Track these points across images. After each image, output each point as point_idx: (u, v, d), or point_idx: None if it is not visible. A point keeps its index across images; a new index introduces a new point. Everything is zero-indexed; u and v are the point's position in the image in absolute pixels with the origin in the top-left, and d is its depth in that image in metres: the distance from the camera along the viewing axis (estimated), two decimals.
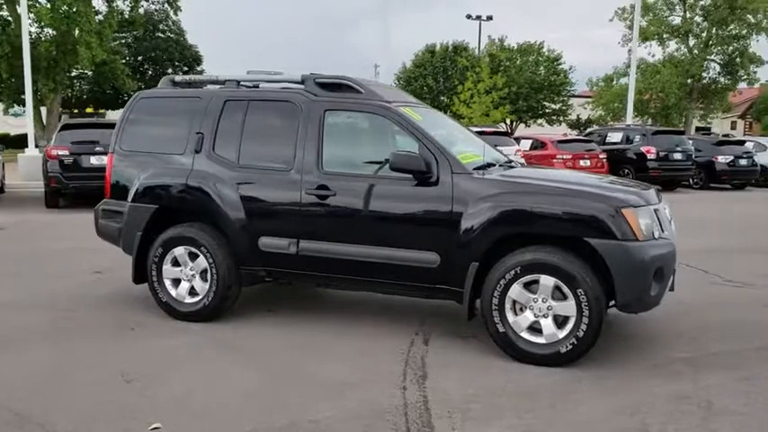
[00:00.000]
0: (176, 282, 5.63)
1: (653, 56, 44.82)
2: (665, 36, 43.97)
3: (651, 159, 17.98)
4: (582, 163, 17.41)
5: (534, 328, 4.64)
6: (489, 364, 4.65)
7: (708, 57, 42.94)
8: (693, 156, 18.61)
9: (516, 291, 4.62)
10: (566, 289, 4.49)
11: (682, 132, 20.51)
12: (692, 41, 43.41)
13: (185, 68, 37.15)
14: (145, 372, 4.45)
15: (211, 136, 5.55)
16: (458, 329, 5.37)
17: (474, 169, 4.94)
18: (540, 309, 4.59)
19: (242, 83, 5.83)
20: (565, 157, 17.58)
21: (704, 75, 43.61)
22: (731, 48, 42.37)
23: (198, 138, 5.57)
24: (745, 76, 43.46)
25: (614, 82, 45.40)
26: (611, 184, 5.11)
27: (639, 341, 5.22)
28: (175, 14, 35.04)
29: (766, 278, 7.48)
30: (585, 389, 4.25)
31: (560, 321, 4.57)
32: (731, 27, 41.91)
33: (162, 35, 37.40)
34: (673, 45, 43.63)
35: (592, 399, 4.12)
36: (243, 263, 5.47)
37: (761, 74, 44.93)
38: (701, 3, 42.22)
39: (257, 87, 5.76)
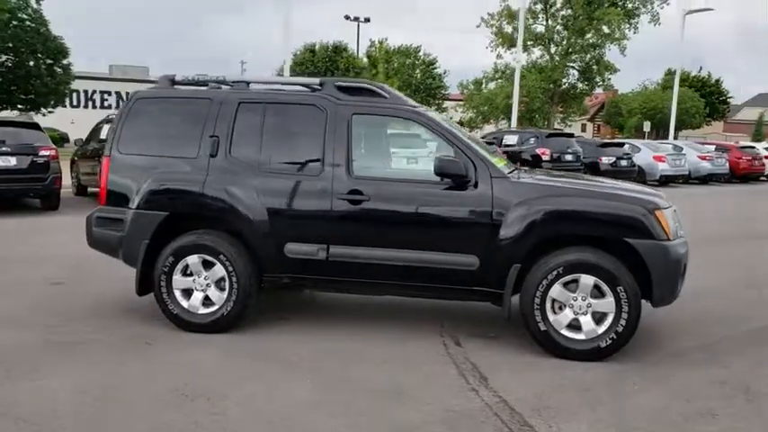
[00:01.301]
0: (187, 292, 5.35)
1: (518, 61, 47.24)
2: (529, 43, 46.62)
3: (546, 160, 19.07)
4: None
5: (573, 326, 4.87)
6: (533, 362, 4.83)
7: (568, 63, 45.95)
8: (582, 157, 19.95)
9: (557, 290, 4.83)
10: (605, 287, 4.76)
11: (571, 135, 21.91)
12: (553, 49, 46.29)
13: (49, 61, 34.52)
14: (200, 388, 4.22)
15: (227, 139, 5.33)
16: (479, 330, 5.52)
17: (508, 173, 5.11)
18: (579, 307, 4.83)
19: (252, 84, 5.63)
20: None
21: (564, 80, 46.66)
22: (589, 56, 45.61)
23: (213, 141, 5.32)
24: (601, 82, 46.99)
25: (483, 86, 47.47)
26: (634, 188, 5.45)
27: (642, 333, 5.57)
28: (37, 3, 32.48)
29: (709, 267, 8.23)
30: (633, 380, 4.54)
31: (598, 318, 4.84)
32: (588, 36, 45.16)
33: (21, 24, 34.47)
34: (537, 52, 46.32)
35: (645, 389, 4.41)
36: (266, 270, 5.30)
37: (613, 80, 48.74)
38: (562, 13, 45.15)
39: (272, 90, 5.59)
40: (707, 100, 56.83)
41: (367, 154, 5.37)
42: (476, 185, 4.97)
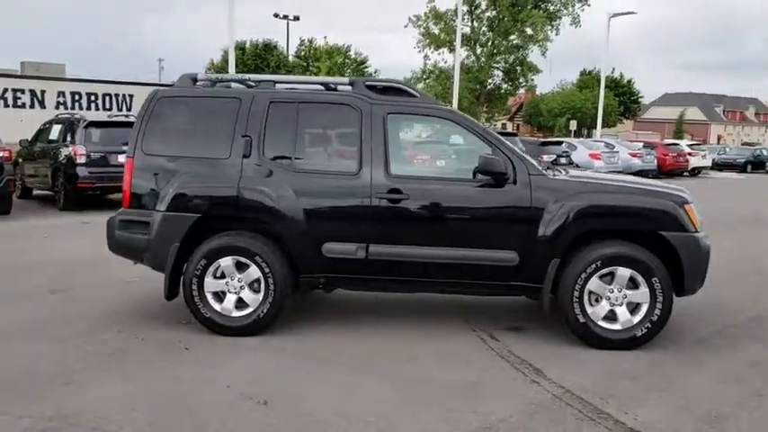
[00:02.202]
0: (218, 295, 5.23)
1: (445, 62, 48.15)
2: (455, 44, 47.48)
3: None
4: None
5: (608, 317, 5.07)
6: (571, 352, 4.99)
7: (493, 64, 47.10)
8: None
9: (595, 283, 5.02)
10: (639, 279, 4.98)
11: (515, 134, 22.43)
12: (479, 50, 47.34)
13: None
14: (270, 390, 4.16)
15: (259, 139, 5.24)
16: (502, 323, 5.66)
17: (545, 170, 5.26)
18: (616, 298, 5.03)
19: (279, 84, 5.57)
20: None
21: (490, 81, 47.80)
22: (513, 57, 46.91)
23: (246, 141, 5.22)
24: (524, 83, 48.43)
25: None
26: (659, 183, 5.70)
27: None
28: None
29: None
30: (678, 366, 4.78)
31: (632, 308, 5.06)
32: (512, 38, 46.44)
33: None
34: (464, 53, 47.15)
35: (694, 373, 4.66)
36: (302, 271, 5.25)
37: (535, 81, 50.32)
38: (488, 14, 46.23)
39: (304, 89, 5.55)
40: (620, 99, 59.41)
41: (404, 153, 5.41)
42: (514, 182, 5.09)
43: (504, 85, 48.35)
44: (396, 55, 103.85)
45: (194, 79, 5.59)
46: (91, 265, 7.66)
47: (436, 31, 46.84)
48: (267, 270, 5.14)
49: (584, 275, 4.99)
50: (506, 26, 44.77)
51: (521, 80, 47.79)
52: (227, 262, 5.18)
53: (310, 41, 44.59)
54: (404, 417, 3.87)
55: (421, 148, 5.80)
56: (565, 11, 45.33)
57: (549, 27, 44.95)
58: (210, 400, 4.03)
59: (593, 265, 4.98)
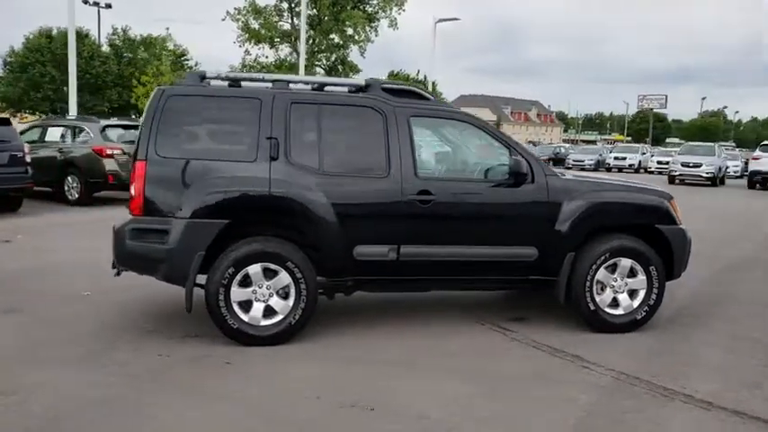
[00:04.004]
0: (243, 304, 5.00)
1: (266, 57, 47.64)
2: (276, 40, 47.21)
3: None
4: None
5: (612, 304, 5.59)
6: (585, 337, 5.43)
7: (315, 63, 47.40)
8: None
9: (602, 273, 5.51)
10: (638, 267, 5.55)
11: None
12: (301, 47, 47.36)
13: None
14: (366, 399, 4.09)
15: (285, 141, 5.07)
16: (503, 315, 6.00)
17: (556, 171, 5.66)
18: (619, 286, 5.56)
19: (292, 83, 5.40)
20: None
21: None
22: (334, 56, 47.59)
23: (273, 143, 5.02)
24: None
25: None
26: (643, 182, 6.31)
27: None
28: None
29: None
30: (695, 344, 5.39)
31: (630, 294, 5.62)
32: (332, 36, 47.10)
33: None
34: (287, 49, 47.06)
35: (704, 348, 5.30)
36: (332, 274, 5.17)
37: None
38: (309, 12, 46.38)
39: (324, 91, 5.44)
40: None
41: (428, 154, 5.51)
42: (532, 182, 5.41)
43: None
44: (217, 48, 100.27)
45: (203, 77, 5.25)
46: (36, 279, 6.91)
47: (256, 26, 46.23)
48: (299, 276, 4.99)
49: (594, 267, 5.46)
50: (328, 25, 45.31)
51: None
52: (255, 269, 4.96)
53: (124, 30, 41.78)
54: (510, 409, 4.04)
55: (442, 150, 5.93)
56: (383, 13, 46.80)
57: (369, 28, 46.19)
58: (315, 414, 3.90)
59: (602, 257, 5.47)
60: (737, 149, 53.64)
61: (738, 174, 33.07)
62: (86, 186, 13.25)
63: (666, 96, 68.99)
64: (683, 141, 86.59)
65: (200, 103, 5.14)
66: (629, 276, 5.58)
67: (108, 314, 5.76)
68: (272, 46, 47.30)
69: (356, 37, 46.93)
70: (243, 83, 5.37)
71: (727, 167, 30.15)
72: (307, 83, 5.55)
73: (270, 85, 5.36)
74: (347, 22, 45.32)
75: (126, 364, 4.63)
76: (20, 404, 3.91)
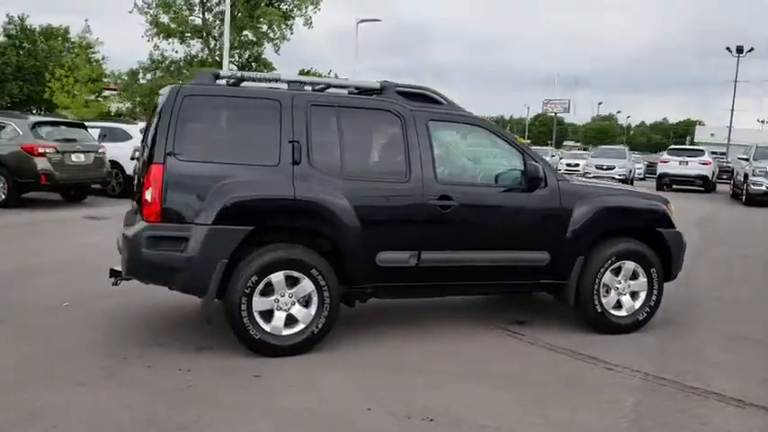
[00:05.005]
0: (265, 314, 4.80)
1: (176, 52, 46.08)
2: (187, 35, 45.74)
3: None
4: None
5: (615, 306, 5.74)
6: (593, 339, 5.55)
7: (230, 59, 46.27)
8: None
9: (608, 276, 5.66)
10: (640, 270, 5.74)
11: None
12: (213, 43, 46.18)
13: None
14: (417, 408, 4.01)
15: (306, 144, 4.90)
16: (505, 318, 6.04)
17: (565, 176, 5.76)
18: (623, 288, 5.73)
19: (307, 85, 5.23)
20: None
21: None
22: (248, 53, 46.64)
23: (296, 147, 4.84)
24: None
25: (141, 77, 45.20)
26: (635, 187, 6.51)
27: None
28: None
29: None
30: (695, 343, 5.62)
31: (632, 296, 5.80)
32: (246, 33, 46.11)
33: None
34: (198, 45, 45.72)
35: (705, 345, 5.53)
36: (354, 281, 5.05)
37: None
38: (222, 8, 45.25)
39: (343, 94, 5.32)
40: None
41: (445, 159, 5.47)
42: (545, 187, 5.48)
43: None
44: (124, 42, 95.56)
45: (216, 76, 5.00)
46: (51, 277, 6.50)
47: (166, 20, 44.65)
48: (323, 283, 4.85)
49: (602, 270, 5.60)
50: (242, 22, 44.35)
51: None
52: (278, 277, 4.78)
53: (21, 19, 39.27)
54: (560, 414, 4.07)
55: (459, 155, 5.90)
56: (298, 11, 46.29)
57: (285, 26, 45.57)
58: (380, 426, 3.80)
59: (609, 261, 5.61)
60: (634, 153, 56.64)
61: (642, 176, 34.89)
62: (14, 187, 12.33)
63: (570, 101, 71.79)
64: (578, 144, 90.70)
65: (219, 104, 4.90)
66: (630, 279, 5.76)
67: (99, 326, 5.40)
68: (183, 41, 45.85)
69: (271, 34, 46.22)
70: (245, 83, 5.16)
71: (635, 170, 31.75)
72: (322, 84, 5.37)
73: (285, 86, 5.17)
74: (262, 19, 44.52)
75: (148, 381, 4.34)
76: (54, 428, 3.60)
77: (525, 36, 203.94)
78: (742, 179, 20.79)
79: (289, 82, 5.17)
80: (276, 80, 5.17)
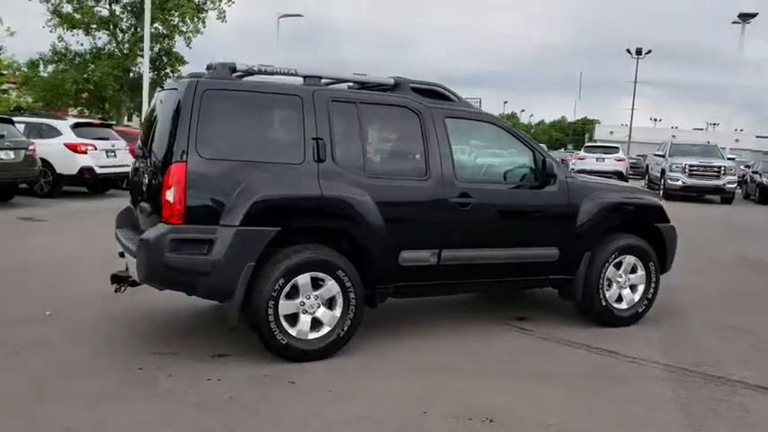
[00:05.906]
0: (290, 318, 4.61)
1: (81, 44, 43.90)
2: (92, 26, 43.63)
3: None
4: None
5: (617, 299, 5.88)
6: (599, 332, 5.65)
7: (139, 52, 44.49)
8: None
9: (611, 270, 5.78)
10: (639, 264, 5.90)
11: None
12: (121, 36, 44.28)
13: None
14: (473, 410, 3.94)
15: (329, 141, 4.73)
16: (506, 314, 6.06)
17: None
18: (624, 282, 5.87)
19: (324, 79, 5.04)
20: None
21: (135, 69, 45.10)
22: (158, 46, 44.96)
23: (320, 144, 4.66)
24: (172, 74, 46.82)
25: (42, 69, 42.81)
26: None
27: None
28: None
29: None
30: (692, 333, 5.81)
31: (631, 289, 5.95)
32: (156, 25, 44.44)
33: None
34: (105, 37, 43.73)
35: (705, 336, 5.75)
36: (378, 282, 4.92)
37: (183, 72, 49.05)
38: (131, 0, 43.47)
39: (353, 86, 5.15)
40: None
41: (462, 157, 5.41)
42: (554, 184, 5.53)
43: (152, 75, 46.07)
44: (24, 32, 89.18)
45: (233, 69, 4.73)
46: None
47: (70, 10, 42.45)
48: (349, 284, 4.71)
49: (606, 264, 5.71)
50: (153, 14, 42.67)
51: (167, 70, 46.09)
52: (304, 279, 4.60)
53: None
54: (609, 409, 4.12)
55: (474, 152, 5.85)
56: (211, 5, 45.08)
57: (198, 19, 44.27)
58: (440, 429, 3.70)
59: (613, 255, 5.74)
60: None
61: None
62: None
63: (481, 99, 73.26)
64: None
65: (239, 99, 4.63)
66: (631, 273, 5.90)
67: (93, 337, 5.04)
68: (88, 33, 43.73)
69: (183, 28, 44.77)
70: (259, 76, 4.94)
71: None
72: (338, 79, 5.19)
73: (301, 80, 4.97)
74: (174, 12, 43.06)
75: (179, 392, 4.07)
76: None
77: (432, 35, 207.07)
78: (658, 175, 21.89)
79: (305, 77, 4.96)
80: (288, 73, 4.93)
